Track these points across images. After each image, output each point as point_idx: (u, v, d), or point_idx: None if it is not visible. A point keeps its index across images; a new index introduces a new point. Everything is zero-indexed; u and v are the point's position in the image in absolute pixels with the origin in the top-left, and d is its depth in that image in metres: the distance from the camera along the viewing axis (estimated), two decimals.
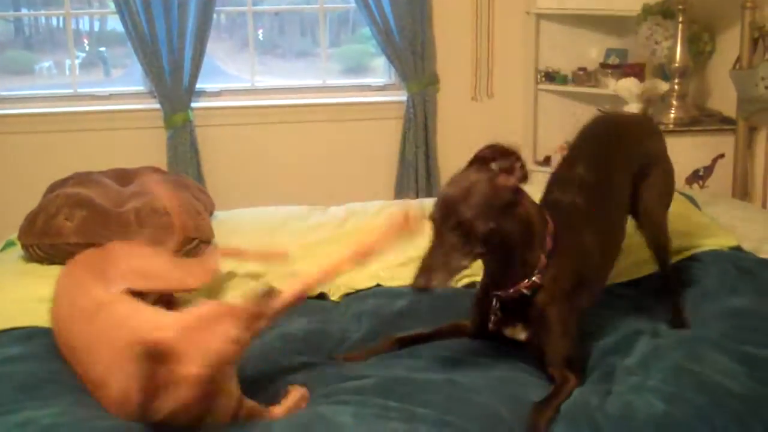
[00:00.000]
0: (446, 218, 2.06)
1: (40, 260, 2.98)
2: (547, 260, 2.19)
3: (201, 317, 1.80)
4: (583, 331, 2.31)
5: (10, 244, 3.21)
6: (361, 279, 2.84)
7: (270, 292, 1.87)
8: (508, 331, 2.29)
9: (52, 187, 3.28)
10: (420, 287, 2.02)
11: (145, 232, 2.95)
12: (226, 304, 1.89)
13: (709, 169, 4.11)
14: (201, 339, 1.75)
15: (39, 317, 2.46)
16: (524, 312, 2.24)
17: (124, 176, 3.40)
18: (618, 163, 2.52)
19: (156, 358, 1.69)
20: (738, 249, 2.97)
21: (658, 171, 2.61)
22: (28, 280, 2.83)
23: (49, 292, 2.62)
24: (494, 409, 1.96)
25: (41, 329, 2.42)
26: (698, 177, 4.09)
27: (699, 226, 3.07)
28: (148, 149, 4.83)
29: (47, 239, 2.94)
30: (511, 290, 2.20)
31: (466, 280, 2.73)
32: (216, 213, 3.54)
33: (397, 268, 2.85)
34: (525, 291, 2.20)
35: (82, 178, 3.28)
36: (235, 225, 3.40)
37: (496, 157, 2.11)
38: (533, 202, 2.23)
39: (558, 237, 2.23)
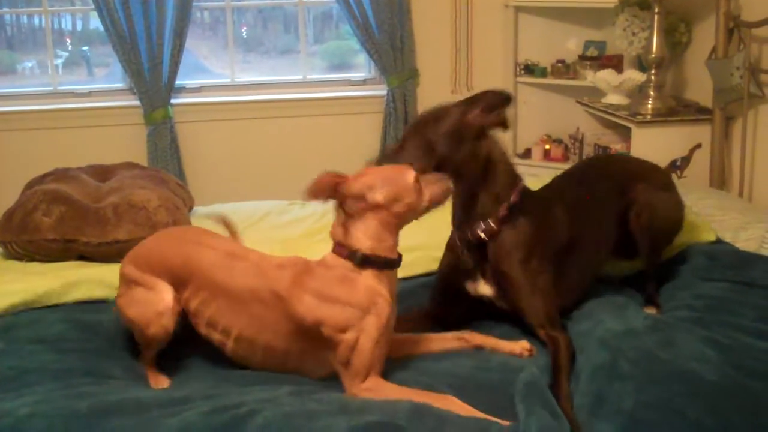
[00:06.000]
0: (413, 133, 2.27)
1: (19, 257, 2.98)
2: (508, 212, 2.30)
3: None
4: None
5: None
6: None
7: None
8: (471, 287, 2.37)
9: (30, 184, 3.28)
10: None
11: (122, 228, 2.96)
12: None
13: (686, 159, 4.12)
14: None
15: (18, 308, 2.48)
16: (486, 266, 2.33)
17: (102, 172, 3.40)
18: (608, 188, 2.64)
19: None
20: (717, 242, 2.99)
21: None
22: (6, 277, 2.81)
23: (28, 287, 2.61)
24: None
25: (19, 321, 2.41)
26: (676, 167, 4.11)
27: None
28: (128, 146, 4.83)
29: (25, 235, 2.94)
30: (469, 233, 2.31)
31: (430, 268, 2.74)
32: (196, 208, 3.55)
33: None
34: (482, 235, 2.30)
35: (60, 174, 3.28)
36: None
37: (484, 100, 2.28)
38: (502, 152, 2.36)
39: (526, 197, 2.35)
